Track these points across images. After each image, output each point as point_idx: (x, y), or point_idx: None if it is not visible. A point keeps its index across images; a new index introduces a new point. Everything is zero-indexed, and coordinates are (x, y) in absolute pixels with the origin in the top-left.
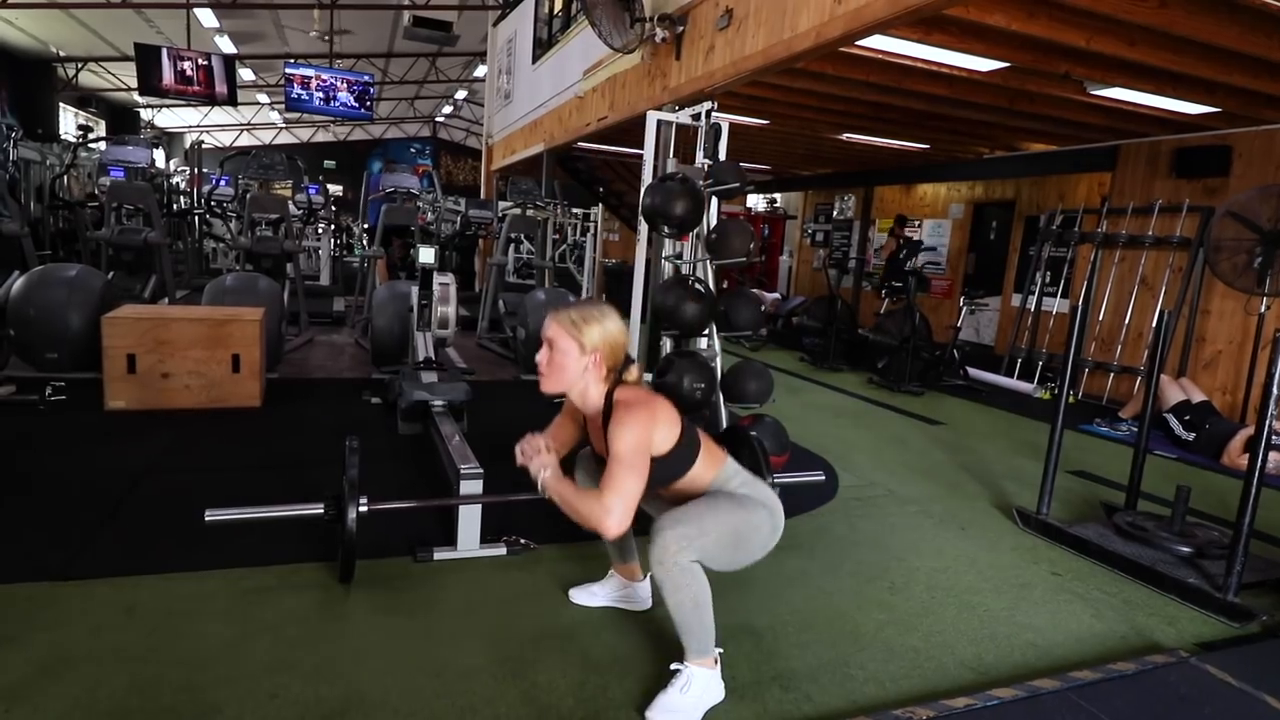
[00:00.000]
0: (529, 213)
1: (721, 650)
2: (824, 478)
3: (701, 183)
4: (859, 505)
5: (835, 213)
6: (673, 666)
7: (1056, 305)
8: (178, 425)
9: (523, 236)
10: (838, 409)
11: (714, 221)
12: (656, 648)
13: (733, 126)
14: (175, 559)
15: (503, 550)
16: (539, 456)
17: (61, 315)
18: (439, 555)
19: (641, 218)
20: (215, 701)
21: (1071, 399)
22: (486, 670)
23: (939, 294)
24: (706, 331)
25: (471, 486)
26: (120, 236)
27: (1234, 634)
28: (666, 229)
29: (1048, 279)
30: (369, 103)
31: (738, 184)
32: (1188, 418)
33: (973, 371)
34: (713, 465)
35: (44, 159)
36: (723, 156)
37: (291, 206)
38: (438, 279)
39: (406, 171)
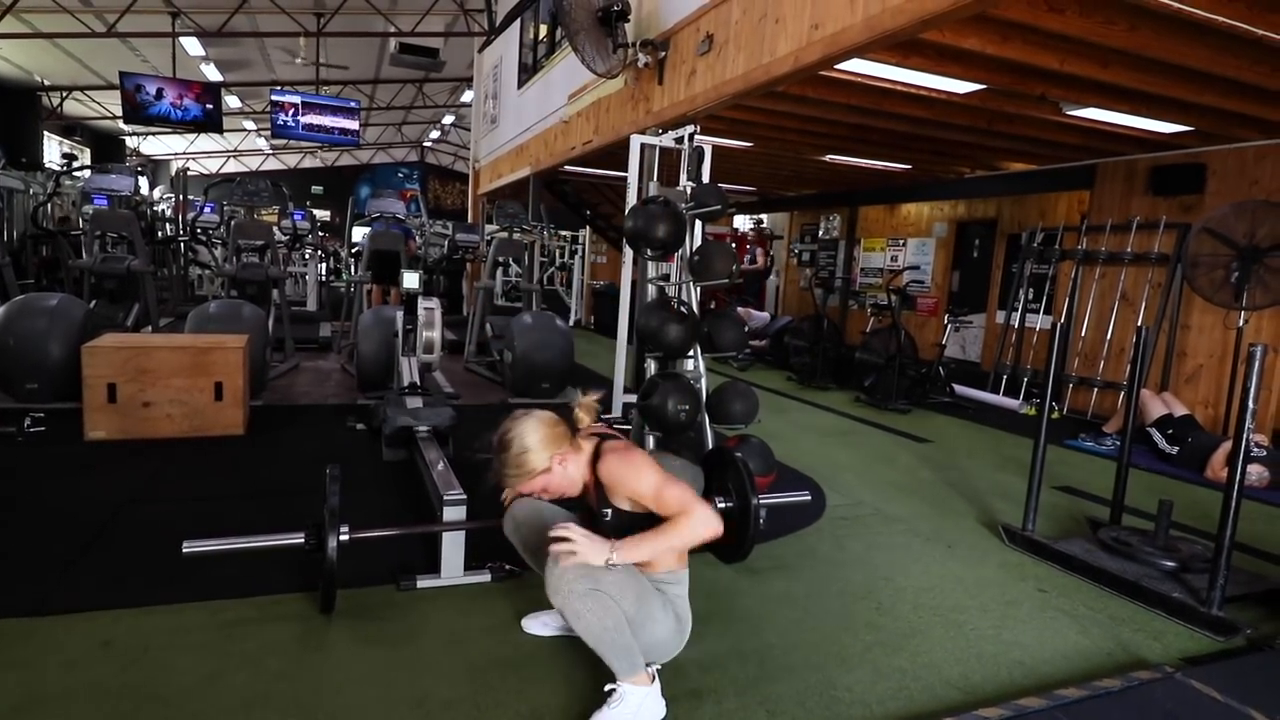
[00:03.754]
0: (516, 236)
1: (658, 667)
2: (809, 498)
3: (684, 205)
4: (846, 525)
5: (821, 232)
6: (607, 687)
7: (1040, 321)
8: (159, 455)
9: (510, 259)
10: (825, 428)
11: (698, 243)
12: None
13: (717, 149)
14: (154, 592)
15: (487, 577)
16: (587, 545)
17: (42, 345)
18: (422, 583)
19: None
20: None
21: (1056, 415)
22: (469, 700)
23: (925, 312)
24: (691, 353)
25: (455, 513)
26: (103, 265)
27: (1219, 648)
28: (649, 251)
29: (1030, 296)
30: (356, 128)
31: (719, 205)
32: (1170, 431)
33: (959, 388)
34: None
35: (28, 188)
36: (706, 178)
37: (277, 232)
38: (423, 303)
39: (392, 197)
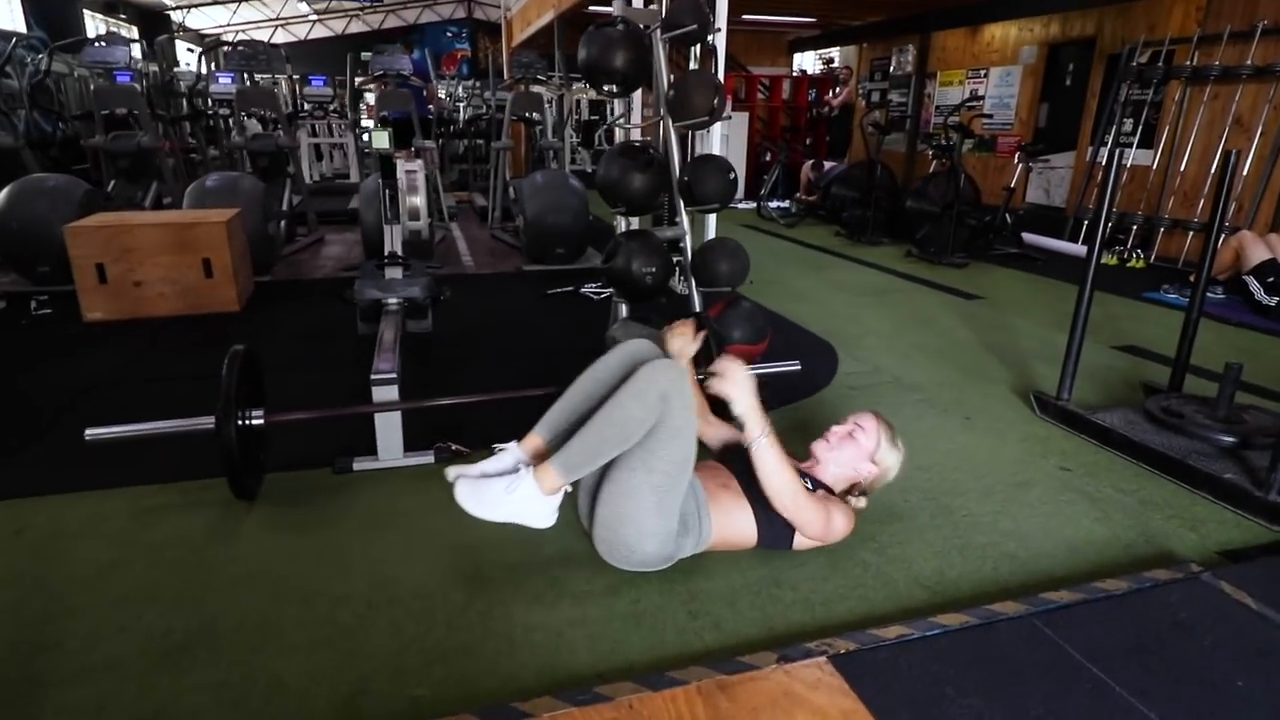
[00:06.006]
0: (532, 89)
1: (570, 489)
2: (799, 367)
3: (653, 27)
4: (853, 395)
5: (892, 67)
6: (511, 456)
7: (1132, 157)
8: (148, 334)
9: (529, 114)
10: (863, 287)
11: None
12: (571, 565)
13: None
14: (93, 477)
15: (430, 458)
16: (748, 387)
17: (45, 227)
18: (359, 465)
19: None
20: (61, 634)
21: (1139, 263)
22: (362, 597)
23: (1006, 152)
24: (661, 207)
25: (385, 393)
26: (114, 143)
27: (1271, 539)
28: (609, 87)
29: (1127, 127)
30: None
31: (695, 25)
32: (1272, 280)
33: (1028, 237)
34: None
35: (72, 70)
36: None
37: (287, 101)
38: (404, 166)
39: (397, 53)
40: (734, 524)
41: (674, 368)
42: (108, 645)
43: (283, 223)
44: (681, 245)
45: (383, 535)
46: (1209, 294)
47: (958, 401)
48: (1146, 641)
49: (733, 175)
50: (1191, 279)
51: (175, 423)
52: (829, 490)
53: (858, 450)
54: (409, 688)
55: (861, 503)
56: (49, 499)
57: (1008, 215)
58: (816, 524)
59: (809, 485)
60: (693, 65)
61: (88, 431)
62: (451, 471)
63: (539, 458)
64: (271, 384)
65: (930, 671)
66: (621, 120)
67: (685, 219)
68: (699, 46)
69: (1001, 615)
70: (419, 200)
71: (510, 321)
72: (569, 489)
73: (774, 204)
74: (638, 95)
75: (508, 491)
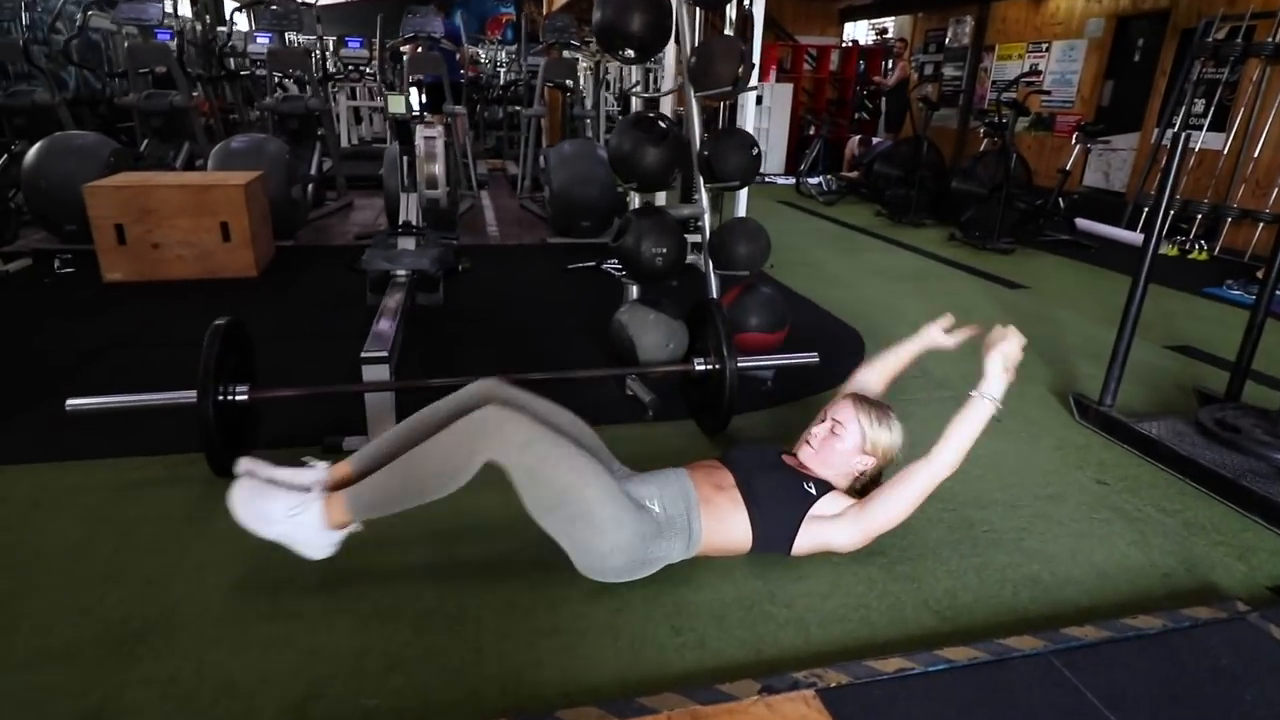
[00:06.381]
0: (565, 55)
1: (360, 528)
2: (818, 359)
3: None
4: None
5: (948, 39)
6: (312, 475)
7: (1202, 140)
8: (165, 298)
9: (564, 82)
10: (901, 271)
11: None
12: (554, 564)
13: None
14: (84, 445)
15: None
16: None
17: (72, 185)
18: (350, 445)
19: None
20: (19, 614)
21: (1202, 255)
22: (329, 590)
23: (1065, 131)
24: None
25: (375, 373)
26: (147, 101)
27: None
28: (627, 52)
29: (1198, 108)
30: None
31: None
32: None
33: (1082, 223)
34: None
35: (120, 29)
36: None
37: (319, 63)
38: (423, 131)
39: (430, 15)
40: (727, 528)
41: (495, 417)
42: (64, 629)
43: (309, 187)
44: (700, 224)
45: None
46: (1278, 292)
47: None
48: (1179, 691)
49: (756, 151)
50: (1259, 275)
51: (157, 396)
52: (830, 488)
53: (844, 447)
54: (364, 695)
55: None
56: (36, 468)
57: (1060, 199)
58: (878, 523)
59: (813, 490)
60: (728, 31)
61: (69, 402)
62: (243, 464)
63: (338, 487)
64: (275, 353)
65: (930, 713)
66: (636, 88)
67: (705, 196)
68: (734, 10)
69: (1016, 651)
70: (437, 168)
71: (526, 297)
72: (358, 528)
73: (813, 181)
74: (670, 63)
75: (289, 513)
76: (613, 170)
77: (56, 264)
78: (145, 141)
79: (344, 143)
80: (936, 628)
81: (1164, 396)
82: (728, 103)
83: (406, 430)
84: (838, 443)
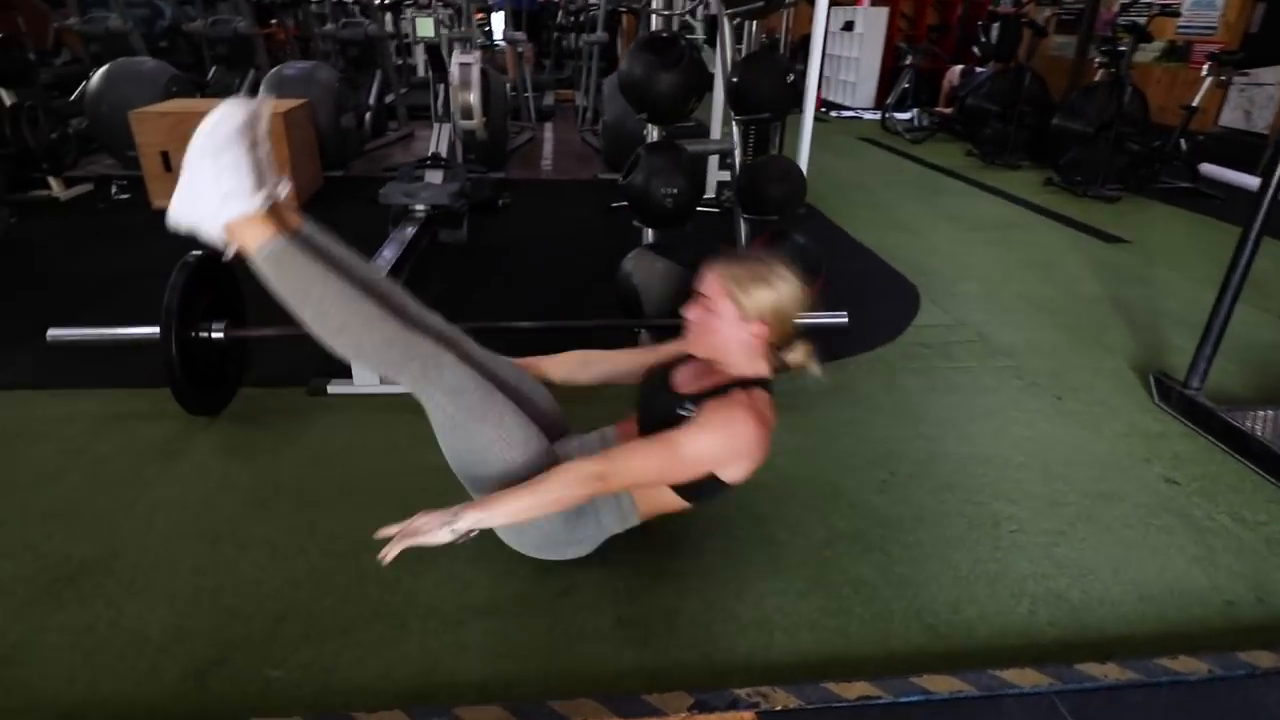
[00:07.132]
0: None
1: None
2: (846, 320)
3: None
4: (922, 354)
5: None
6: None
7: None
8: None
9: (632, 6)
10: (981, 219)
11: None
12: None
13: None
14: (88, 374)
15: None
16: (429, 518)
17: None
18: (335, 389)
19: None
20: None
21: None
22: (270, 543)
23: (1202, 62)
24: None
25: None
26: (212, 29)
27: None
28: None
29: None
30: None
31: None
32: None
33: (1207, 169)
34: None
35: None
36: None
37: None
38: (458, 58)
39: None
40: (652, 489)
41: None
42: (3, 565)
43: (367, 115)
44: (730, 161)
45: (325, 472)
46: None
47: (1053, 374)
48: None
49: (791, 78)
50: None
51: (128, 330)
52: (730, 385)
53: (724, 325)
54: (270, 665)
55: (798, 353)
56: (33, 394)
57: (1183, 140)
58: (674, 467)
59: (686, 410)
60: None
61: (50, 332)
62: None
63: (279, 219)
64: None
65: None
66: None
67: (736, 130)
68: None
69: (1013, 688)
70: (473, 96)
71: (560, 236)
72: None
73: (902, 116)
74: None
75: (223, 193)
76: (624, 97)
77: (114, 189)
78: (213, 69)
79: (419, 73)
80: (925, 646)
81: (1271, 382)
82: (792, 27)
83: (372, 273)
84: (713, 320)
